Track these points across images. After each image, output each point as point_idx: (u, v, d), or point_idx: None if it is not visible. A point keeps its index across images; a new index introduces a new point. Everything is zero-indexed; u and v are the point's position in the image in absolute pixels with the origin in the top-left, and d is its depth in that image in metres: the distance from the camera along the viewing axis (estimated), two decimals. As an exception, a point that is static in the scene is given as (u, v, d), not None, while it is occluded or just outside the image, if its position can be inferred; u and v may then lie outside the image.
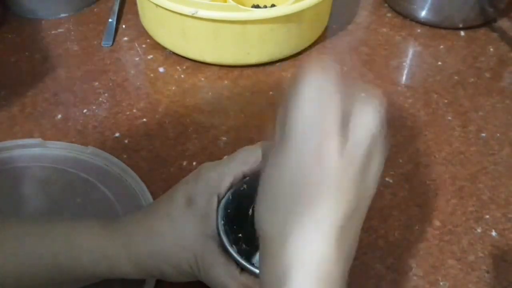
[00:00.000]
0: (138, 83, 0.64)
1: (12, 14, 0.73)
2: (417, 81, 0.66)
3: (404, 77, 0.67)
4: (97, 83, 0.64)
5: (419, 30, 0.73)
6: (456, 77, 0.66)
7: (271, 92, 0.64)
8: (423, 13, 0.72)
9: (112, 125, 0.59)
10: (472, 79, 0.66)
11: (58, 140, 0.56)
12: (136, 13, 0.72)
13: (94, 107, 0.61)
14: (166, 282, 0.41)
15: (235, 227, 0.39)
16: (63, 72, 0.65)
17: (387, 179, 0.54)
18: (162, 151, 0.56)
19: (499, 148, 0.58)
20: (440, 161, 0.56)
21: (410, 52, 0.71)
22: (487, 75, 0.67)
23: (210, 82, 0.65)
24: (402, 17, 0.75)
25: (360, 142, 0.30)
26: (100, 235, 0.39)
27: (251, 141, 0.56)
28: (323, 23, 0.71)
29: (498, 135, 0.59)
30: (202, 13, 0.60)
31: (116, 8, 0.74)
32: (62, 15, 0.73)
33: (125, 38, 0.70)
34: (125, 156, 0.55)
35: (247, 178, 0.40)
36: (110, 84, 0.64)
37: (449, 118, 0.61)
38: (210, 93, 0.63)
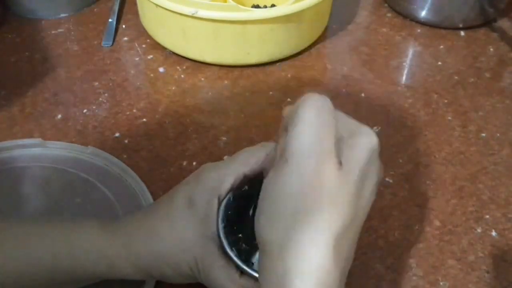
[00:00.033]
0: (138, 83, 0.64)
1: (12, 14, 0.73)
2: (417, 81, 0.66)
3: (404, 77, 0.67)
4: (97, 83, 0.64)
5: (419, 30, 0.73)
6: (456, 77, 0.66)
7: (271, 92, 0.64)
8: (423, 13, 0.72)
9: (112, 125, 0.59)
10: (472, 79, 0.66)
11: (58, 140, 0.56)
12: (136, 13, 0.72)
13: (94, 107, 0.61)
14: (166, 282, 0.41)
15: (235, 227, 0.39)
16: (63, 72, 0.65)
17: (387, 179, 0.54)
18: (162, 151, 0.56)
19: (499, 148, 0.58)
20: (440, 161, 0.56)
21: (410, 52, 0.71)
22: (487, 75, 0.67)
23: (210, 82, 0.65)
24: (402, 17, 0.75)
25: (356, 159, 0.33)
26: (100, 235, 0.39)
27: (251, 141, 0.57)
28: (323, 23, 0.71)
29: (498, 135, 0.59)
30: (202, 13, 0.60)
31: (116, 8, 0.74)
32: (62, 15, 0.73)
33: (125, 38, 0.70)
34: (125, 156, 0.55)
35: (248, 179, 0.40)
36: (110, 84, 0.64)
37: (449, 118, 0.61)
38: (210, 93, 0.63)
